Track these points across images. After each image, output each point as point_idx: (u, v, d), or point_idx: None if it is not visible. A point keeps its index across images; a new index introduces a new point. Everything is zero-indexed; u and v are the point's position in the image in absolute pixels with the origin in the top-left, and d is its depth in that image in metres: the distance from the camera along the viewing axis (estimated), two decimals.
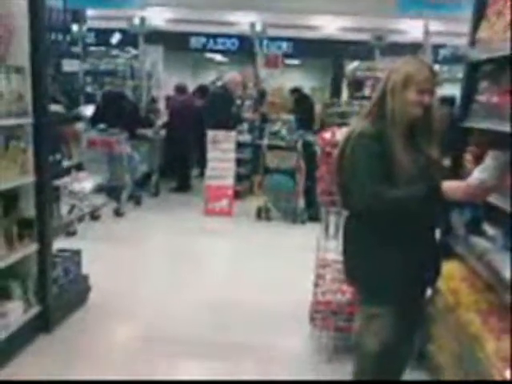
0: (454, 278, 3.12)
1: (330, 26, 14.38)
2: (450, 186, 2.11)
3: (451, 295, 3.03)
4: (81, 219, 6.18)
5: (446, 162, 3.25)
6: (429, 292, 2.85)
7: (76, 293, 4.13)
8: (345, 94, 12.08)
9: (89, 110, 7.98)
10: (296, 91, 10.09)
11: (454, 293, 2.99)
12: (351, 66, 11.48)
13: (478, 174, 2.11)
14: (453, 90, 5.12)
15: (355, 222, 2.41)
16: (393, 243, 2.27)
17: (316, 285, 3.73)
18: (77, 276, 4.18)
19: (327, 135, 3.57)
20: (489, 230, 2.75)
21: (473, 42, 3.03)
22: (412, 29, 11.90)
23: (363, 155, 2.23)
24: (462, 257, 3.08)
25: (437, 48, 9.84)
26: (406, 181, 2.19)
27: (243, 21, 12.79)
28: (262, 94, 9.22)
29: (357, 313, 2.54)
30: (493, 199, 2.62)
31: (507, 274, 2.35)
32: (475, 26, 3.02)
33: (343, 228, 2.53)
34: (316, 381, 3.28)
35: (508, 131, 2.52)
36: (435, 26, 9.14)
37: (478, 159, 2.98)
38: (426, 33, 7.67)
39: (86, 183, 6.21)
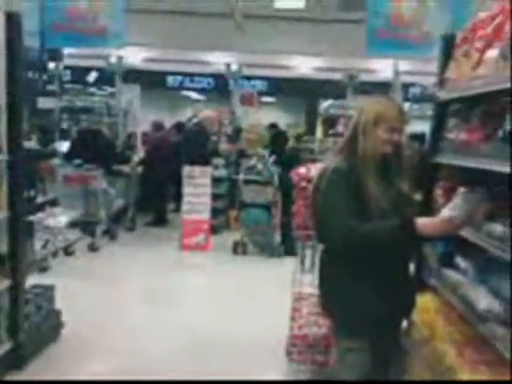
0: (428, 311, 3.16)
1: (303, 65, 14.72)
2: (422, 221, 2.17)
3: (426, 327, 3.06)
4: (54, 254, 6.11)
5: (418, 197, 3.34)
6: (404, 324, 2.89)
7: (48, 329, 4.06)
8: (319, 132, 12.29)
9: (64, 146, 7.97)
10: (273, 127, 10.25)
11: (429, 325, 3.03)
12: (325, 104, 11.73)
13: (448, 211, 2.19)
14: (423, 127, 5.29)
15: (330, 255, 2.44)
16: (367, 277, 2.30)
17: (292, 318, 3.74)
18: (49, 312, 4.12)
19: (302, 170, 3.64)
20: (461, 262, 2.81)
21: (441, 82, 3.16)
22: (383, 68, 12.28)
23: (336, 190, 2.28)
24: (435, 289, 3.13)
25: (406, 87, 10.15)
26: (379, 215, 2.25)
27: (219, 61, 13.03)
28: (237, 131, 9.35)
29: (333, 346, 2.55)
30: (464, 233, 2.70)
31: (481, 307, 2.39)
32: (443, 66, 3.15)
33: (319, 262, 2.57)
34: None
35: (475, 167, 2.62)
36: (405, 65, 9.47)
37: (448, 193, 3.08)
38: (396, 72, 7.93)
39: (60, 218, 6.16)
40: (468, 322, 2.71)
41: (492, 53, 2.46)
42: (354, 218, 2.22)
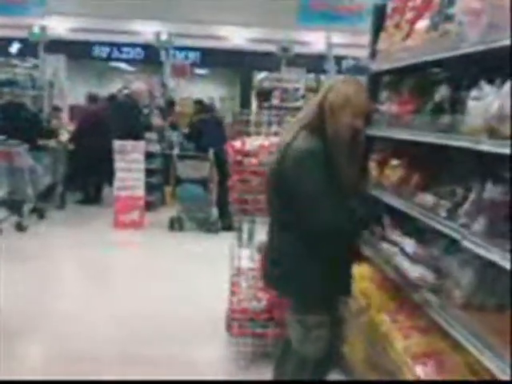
0: (363, 280, 3.23)
1: (237, 36, 14.54)
2: None
3: (362, 297, 3.13)
4: None
5: None
6: None
7: None
8: (254, 104, 12.25)
9: None
10: (198, 103, 10.09)
11: (365, 295, 3.10)
12: (259, 76, 11.68)
13: None
14: None
15: (291, 236, 2.41)
16: (324, 255, 2.36)
17: (232, 293, 3.73)
18: None
19: (237, 144, 3.58)
20: (392, 235, 2.87)
21: (373, 54, 3.17)
22: (317, 40, 12.31)
23: (318, 173, 2.27)
24: (370, 259, 3.20)
25: (339, 59, 10.22)
26: (344, 195, 2.34)
27: (148, 30, 12.64)
28: (170, 103, 9.13)
29: (290, 322, 2.55)
30: (395, 203, 2.75)
31: (413, 275, 2.46)
32: (374, 38, 3.16)
33: (275, 242, 2.53)
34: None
35: (406, 139, 2.66)
36: (338, 38, 9.53)
37: (382, 165, 3.13)
38: (329, 45, 7.97)
39: None
40: (400, 290, 2.80)
41: (422, 23, 2.48)
42: (328, 197, 2.27)
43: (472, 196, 2.21)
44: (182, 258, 5.85)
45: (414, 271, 2.49)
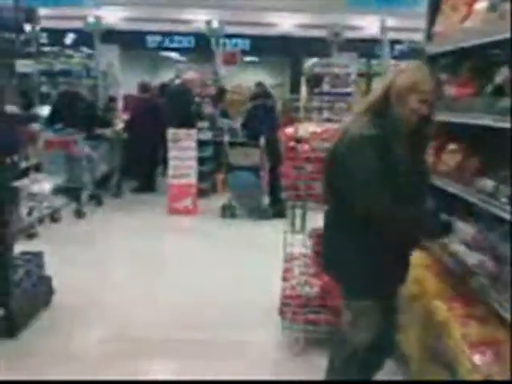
0: (417, 267, 3.18)
1: (286, 23, 14.44)
2: None
3: (416, 284, 3.09)
4: (41, 221, 6.04)
5: None
6: None
7: (39, 295, 4.03)
8: (304, 91, 12.14)
9: (45, 111, 7.79)
10: (260, 85, 10.02)
11: (419, 281, 3.05)
12: (309, 62, 11.55)
13: None
14: None
15: (346, 223, 2.41)
16: (378, 241, 2.31)
17: (284, 279, 3.75)
18: (40, 278, 4.09)
19: (290, 130, 3.58)
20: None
21: (429, 36, 3.10)
22: (368, 25, 12.09)
23: (372, 158, 2.22)
24: (424, 246, 3.15)
25: (393, 44, 9.98)
26: (406, 187, 2.25)
27: (199, 18, 12.73)
28: (221, 92, 9.19)
29: (343, 308, 2.56)
30: (453, 189, 2.70)
31: (471, 262, 2.41)
32: (431, 20, 3.09)
33: (331, 226, 2.53)
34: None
35: (466, 122, 2.59)
36: (392, 22, 9.32)
37: (439, 151, 3.06)
38: (383, 29, 7.80)
39: (44, 184, 6.06)
40: (456, 277, 2.75)
41: (480, 4, 2.40)
42: (384, 186, 2.23)
43: None
44: (235, 244, 5.92)
45: (472, 258, 2.44)
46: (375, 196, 2.23)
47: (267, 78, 16.92)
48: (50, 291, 4.18)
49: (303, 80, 12.30)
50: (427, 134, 2.39)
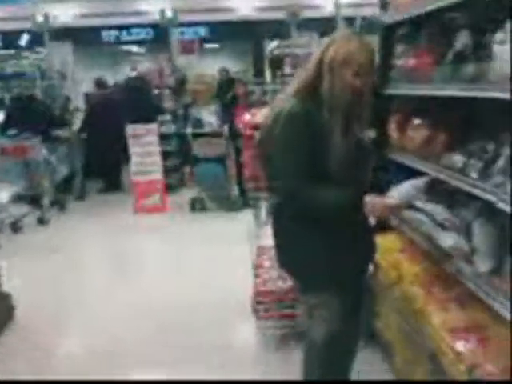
0: (392, 251, 3.03)
1: (245, 6, 14.18)
2: (370, 202, 2.06)
3: (392, 269, 2.93)
4: (1, 231, 5.78)
5: (371, 134, 3.14)
6: (370, 268, 2.76)
7: None
8: (268, 74, 11.94)
9: None
10: (225, 71, 9.74)
11: (395, 266, 2.90)
12: (271, 45, 11.35)
13: (395, 194, 2.17)
14: None
15: (285, 208, 2.22)
16: (325, 230, 2.13)
17: (256, 275, 3.56)
18: None
19: (247, 117, 3.38)
20: (419, 203, 2.66)
21: (384, 5, 2.91)
22: (326, 3, 11.87)
23: (293, 137, 2.04)
24: (398, 229, 2.99)
25: (351, 20, 9.78)
26: (338, 167, 2.04)
27: (155, 9, 12.35)
28: (181, 82, 8.91)
29: (299, 303, 2.39)
30: (420, 166, 2.53)
31: (446, 244, 2.25)
32: None
33: (272, 216, 2.35)
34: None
35: (428, 94, 2.42)
36: None
37: (402, 126, 2.89)
38: (337, 5, 7.64)
39: (1, 194, 5.81)
40: (433, 260, 2.59)
41: None
42: (307, 172, 2.04)
43: (506, 151, 1.98)
44: (205, 240, 5.70)
45: (448, 240, 2.28)
46: (293, 176, 2.04)
47: (230, 64, 16.68)
48: (10, 307, 3.93)
49: (266, 63, 12.12)
50: (365, 109, 2.14)
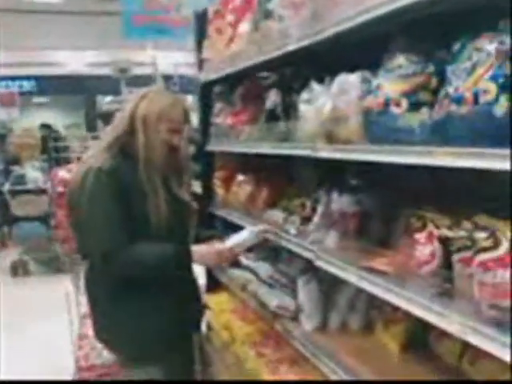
0: (224, 312, 2.94)
1: (75, 61, 13.79)
2: (199, 251, 1.96)
3: (225, 330, 2.83)
4: None
5: (196, 189, 3.07)
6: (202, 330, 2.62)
7: None
8: (100, 128, 11.60)
9: None
10: (44, 126, 9.23)
11: (227, 327, 2.80)
12: (105, 100, 11.17)
13: (230, 243, 2.10)
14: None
15: (99, 273, 1.99)
16: (143, 295, 1.95)
17: (79, 347, 3.20)
18: None
19: (61, 173, 3.08)
20: (245, 261, 2.61)
21: (200, 64, 2.90)
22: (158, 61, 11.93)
23: (104, 196, 1.86)
24: (228, 289, 2.91)
25: (169, 78, 9.89)
26: (159, 225, 1.90)
27: None
28: (1, 136, 8.25)
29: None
30: (239, 221, 2.49)
31: (273, 303, 2.19)
32: (199, 47, 2.88)
33: (85, 282, 2.11)
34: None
35: (241, 152, 2.40)
36: (182, 57, 9.26)
37: (227, 182, 2.86)
38: (154, 64, 7.77)
39: None
40: (263, 320, 2.53)
41: (244, 25, 2.24)
42: (122, 231, 1.85)
43: (320, 208, 1.99)
44: (26, 308, 5.08)
45: (273, 299, 2.22)
46: (107, 238, 1.85)
47: (60, 119, 15.94)
48: None
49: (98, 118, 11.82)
50: (183, 164, 2.08)
